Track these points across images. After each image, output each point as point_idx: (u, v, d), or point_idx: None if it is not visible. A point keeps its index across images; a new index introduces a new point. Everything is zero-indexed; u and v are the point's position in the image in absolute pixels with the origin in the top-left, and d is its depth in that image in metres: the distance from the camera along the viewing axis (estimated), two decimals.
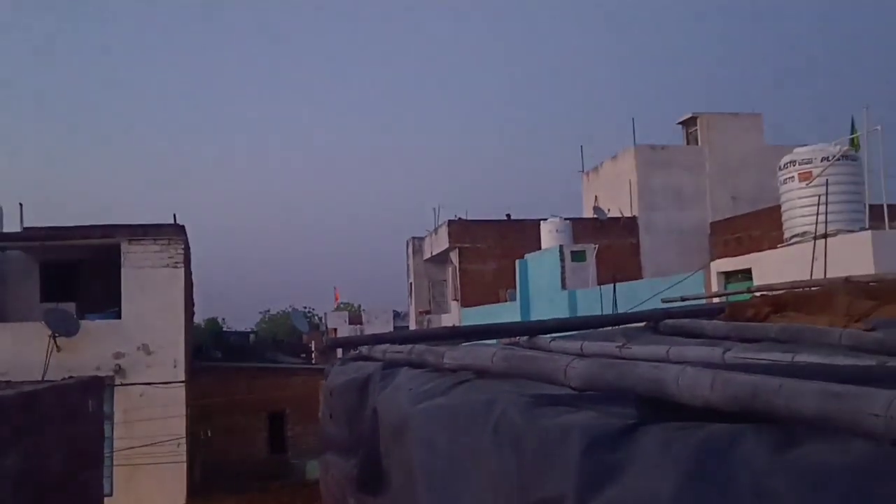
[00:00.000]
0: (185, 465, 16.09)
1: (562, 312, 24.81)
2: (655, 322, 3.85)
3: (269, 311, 64.67)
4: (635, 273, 29.51)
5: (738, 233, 27.10)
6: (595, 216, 33.76)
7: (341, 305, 59.42)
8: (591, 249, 25.70)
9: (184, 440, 16.03)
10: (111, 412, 16.11)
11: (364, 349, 3.68)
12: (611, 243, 30.53)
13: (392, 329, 52.80)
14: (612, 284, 15.74)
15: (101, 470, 4.84)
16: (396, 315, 53.37)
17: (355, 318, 53.96)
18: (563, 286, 25.17)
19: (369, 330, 54.10)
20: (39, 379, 15.82)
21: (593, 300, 24.06)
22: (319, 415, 4.94)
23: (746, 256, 13.71)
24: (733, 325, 3.27)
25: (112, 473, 15.82)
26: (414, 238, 38.78)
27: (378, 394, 2.65)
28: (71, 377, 16.74)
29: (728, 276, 13.35)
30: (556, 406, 1.50)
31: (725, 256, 16.26)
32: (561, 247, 25.56)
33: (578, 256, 25.33)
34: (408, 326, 42.73)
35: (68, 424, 3.94)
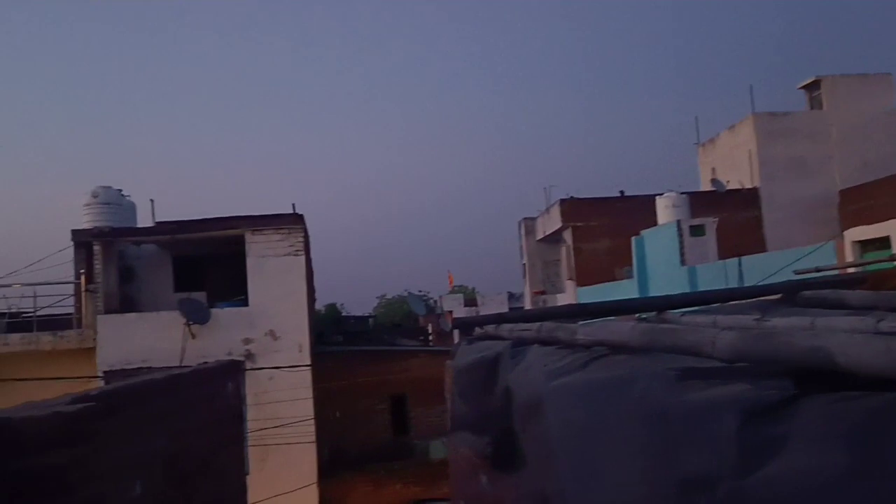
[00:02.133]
0: (314, 445, 16.69)
1: (681, 289, 24.13)
2: (791, 294, 3.67)
3: (385, 295, 66.11)
4: (757, 247, 28.33)
5: (871, 200, 25.51)
6: (713, 189, 32.62)
7: (455, 288, 59.94)
8: (710, 223, 24.85)
9: (312, 421, 16.60)
10: (244, 395, 16.88)
11: (489, 328, 3.69)
12: (730, 217, 29.37)
13: (507, 311, 52.34)
14: (736, 258, 15.14)
15: (243, 450, 5.05)
16: (511, 296, 53.32)
17: (470, 301, 54.33)
18: (682, 262, 24.48)
19: (484, 312, 54.30)
20: (178, 364, 16.76)
21: (715, 275, 23.29)
22: (446, 394, 5.00)
23: (884, 224, 12.92)
24: (881, 294, 3.08)
25: (247, 453, 16.59)
26: (526, 219, 38.56)
27: (510, 371, 2.65)
28: (206, 362, 17.67)
29: (864, 245, 12.63)
30: (705, 379, 1.45)
31: (859, 225, 15.34)
32: (678, 222, 24.83)
33: (697, 231, 24.54)
34: (523, 307, 42.64)
35: (210, 406, 4.13)
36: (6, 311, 18.31)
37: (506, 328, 3.37)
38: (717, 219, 25.12)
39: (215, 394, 4.39)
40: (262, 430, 16.07)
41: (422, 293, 58.15)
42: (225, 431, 4.64)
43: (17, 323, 18.01)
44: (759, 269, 13.43)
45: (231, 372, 4.69)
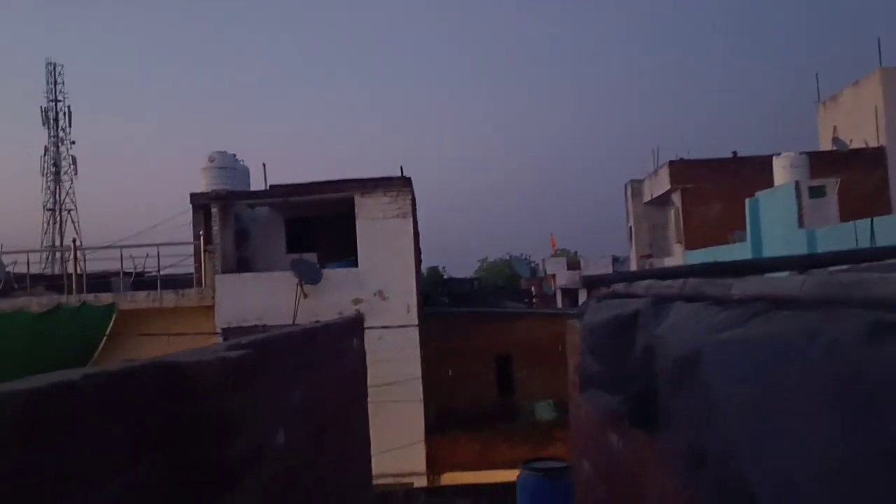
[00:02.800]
0: (422, 403, 17.00)
1: (800, 253, 23.12)
2: None
3: (486, 259, 66.27)
4: (883, 210, 26.80)
5: None
6: (834, 149, 30.94)
7: (558, 252, 59.44)
8: (832, 184, 23.62)
9: (419, 380, 16.90)
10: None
11: (619, 287, 3.60)
12: (853, 178, 27.77)
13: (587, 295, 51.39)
14: (866, 219, 14.29)
15: (366, 405, 5.17)
16: (615, 260, 52.43)
17: (573, 264, 53.76)
18: (801, 225, 23.41)
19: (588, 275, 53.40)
20: (291, 323, 17.33)
21: (839, 238, 22.15)
22: (568, 354, 4.95)
23: None
24: None
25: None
26: (633, 181, 37.66)
27: (653, 328, 2.57)
28: (317, 321, 18.22)
29: None
30: None
31: None
32: (797, 182, 23.71)
33: (817, 192, 23.38)
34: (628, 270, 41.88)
35: (339, 361, 4.22)
36: (132, 270, 19.34)
37: (641, 286, 3.27)
38: (839, 179, 23.85)
39: (343, 350, 4.48)
40: (372, 386, 16.48)
41: (524, 256, 57.96)
42: (352, 386, 4.74)
43: (143, 281, 19.03)
44: (890, 231, 12.64)
45: (356, 328, 4.78)
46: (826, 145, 32.77)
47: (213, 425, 1.86)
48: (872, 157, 30.79)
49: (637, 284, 3.36)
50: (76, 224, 67.45)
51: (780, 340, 1.71)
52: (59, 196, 68.31)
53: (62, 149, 68.67)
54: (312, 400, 3.63)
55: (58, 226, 67.36)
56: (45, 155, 67.97)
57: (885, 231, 13.51)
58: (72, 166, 68.61)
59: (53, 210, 67.85)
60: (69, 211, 68.23)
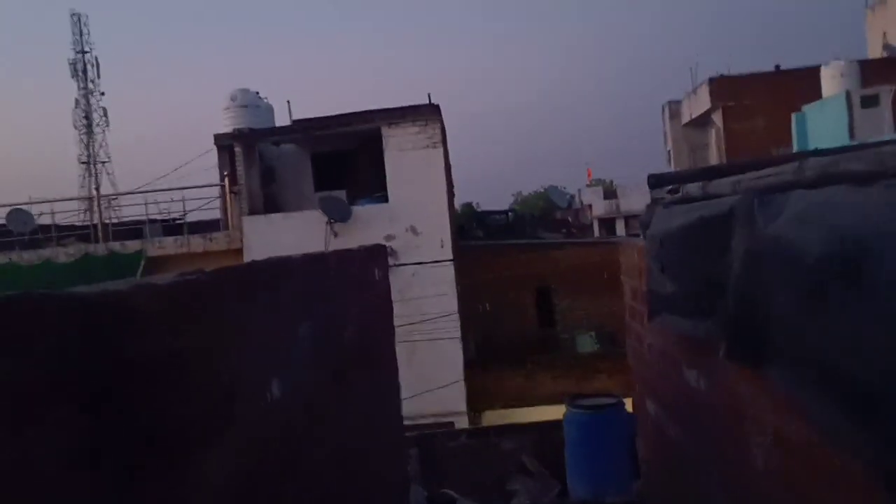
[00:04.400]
0: (459, 340, 16.53)
1: None
2: None
3: (520, 192, 65.26)
4: None
5: None
6: (885, 55, 29.27)
7: (594, 182, 58.23)
8: (885, 92, 22.26)
9: (457, 316, 16.40)
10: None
11: (693, 188, 2.92)
12: None
13: (649, 202, 50.31)
14: None
15: (393, 343, 4.59)
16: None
17: (610, 193, 52.62)
18: (852, 136, 22.19)
19: (625, 204, 52.63)
20: None
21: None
22: (624, 277, 4.27)
23: None
24: None
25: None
26: (670, 102, 36.23)
27: (763, 227, 1.89)
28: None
29: None
30: None
31: None
32: (848, 92, 22.39)
33: (870, 101, 22.07)
34: None
35: (358, 294, 3.61)
36: (158, 215, 18.96)
37: (725, 183, 2.57)
38: (893, 87, 22.46)
39: (363, 280, 3.85)
40: (407, 325, 16.05)
41: (560, 187, 56.77)
42: (375, 323, 4.14)
43: (170, 227, 18.65)
44: None
45: (377, 257, 4.15)
46: (875, 53, 31.08)
47: (148, 374, 1.26)
48: None
49: (718, 183, 2.67)
50: (111, 175, 67.70)
51: None
52: (93, 148, 68.45)
53: (92, 101, 68.49)
54: (325, 340, 3.04)
55: (93, 178, 67.65)
56: (76, 107, 67.90)
57: None
58: (103, 118, 68.57)
59: (87, 163, 68.06)
60: (103, 163, 68.43)
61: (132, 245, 16.52)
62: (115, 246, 16.46)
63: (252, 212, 16.99)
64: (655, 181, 2.88)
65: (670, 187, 3.20)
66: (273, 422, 2.13)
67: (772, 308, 1.86)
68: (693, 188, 2.92)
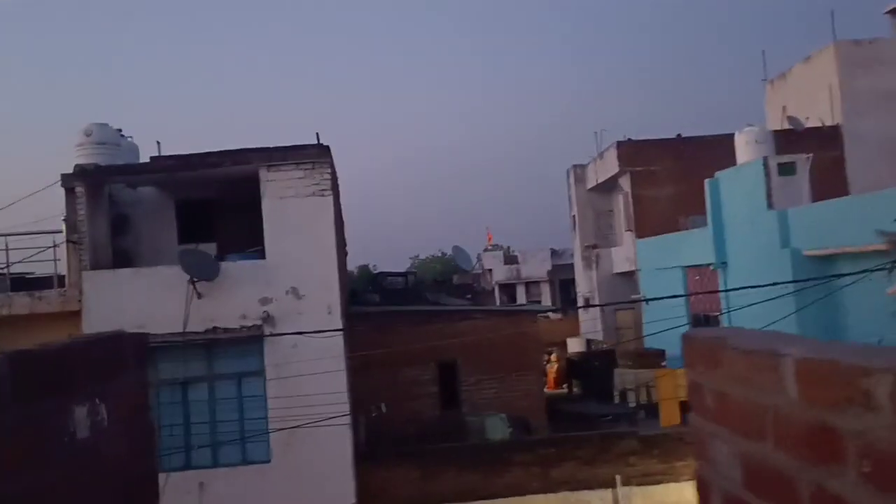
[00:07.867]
0: (349, 426, 13.74)
1: (769, 236, 20.75)
2: None
3: (417, 256, 63.05)
4: (839, 190, 24.93)
5: None
6: (790, 128, 28.92)
7: (493, 246, 56.84)
8: (802, 161, 21.30)
9: (346, 396, 13.64)
10: (262, 368, 13.93)
11: None
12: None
13: (550, 268, 49.60)
14: (842, 198, 11.70)
15: (156, 462, 1.80)
16: (554, 253, 50.01)
17: (510, 259, 51.19)
18: (769, 205, 21.03)
19: (525, 270, 51.25)
20: (181, 330, 13.83)
21: (812, 220, 19.87)
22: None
23: None
24: None
25: (268, 438, 13.70)
26: (575, 166, 34.94)
27: None
28: (215, 327, 14.84)
29: None
30: None
31: None
32: (765, 159, 21.31)
33: (787, 169, 21.03)
34: (571, 264, 39.34)
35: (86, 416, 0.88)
36: None
37: None
38: (810, 155, 21.58)
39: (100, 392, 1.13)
40: (283, 408, 13.17)
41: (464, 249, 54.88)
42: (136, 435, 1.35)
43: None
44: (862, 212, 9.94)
45: (128, 350, 1.45)
46: (773, 125, 30.84)
47: None
48: (827, 136, 29.08)
49: None
50: None
51: None
52: None
53: None
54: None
55: None
56: None
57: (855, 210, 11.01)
58: None
59: None
60: None
61: None
62: None
63: (95, 266, 13.84)
64: None
65: None
66: None
67: None
68: None
